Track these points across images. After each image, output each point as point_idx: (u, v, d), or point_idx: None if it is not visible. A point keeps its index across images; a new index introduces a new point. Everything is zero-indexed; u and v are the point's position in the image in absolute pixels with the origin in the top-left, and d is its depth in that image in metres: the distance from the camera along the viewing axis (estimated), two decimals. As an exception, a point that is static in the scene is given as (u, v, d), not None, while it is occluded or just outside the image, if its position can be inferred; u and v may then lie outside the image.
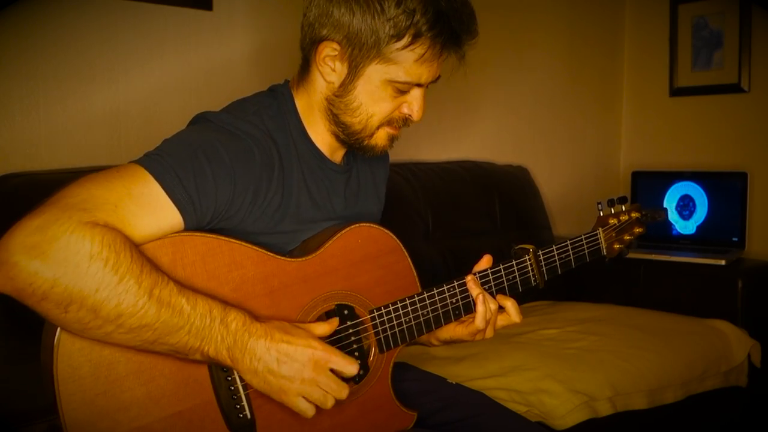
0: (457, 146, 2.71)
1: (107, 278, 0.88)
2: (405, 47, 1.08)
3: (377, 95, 1.12)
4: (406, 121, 1.17)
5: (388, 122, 1.16)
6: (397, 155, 2.51)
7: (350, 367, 1.03)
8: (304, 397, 1.00)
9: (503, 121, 2.86)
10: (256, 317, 1.00)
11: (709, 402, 2.02)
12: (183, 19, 1.99)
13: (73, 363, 0.91)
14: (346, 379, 1.09)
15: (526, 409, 1.66)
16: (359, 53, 1.09)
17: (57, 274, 0.86)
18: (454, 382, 1.36)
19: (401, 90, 1.12)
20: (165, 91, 1.98)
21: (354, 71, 1.11)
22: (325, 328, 1.06)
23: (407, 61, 1.09)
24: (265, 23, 2.14)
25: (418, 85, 1.13)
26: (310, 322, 1.09)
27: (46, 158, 1.80)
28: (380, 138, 1.17)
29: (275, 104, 1.16)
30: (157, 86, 1.96)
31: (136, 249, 0.93)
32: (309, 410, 1.01)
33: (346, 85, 1.12)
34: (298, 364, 0.99)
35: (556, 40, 3.00)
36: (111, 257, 0.88)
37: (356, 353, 1.10)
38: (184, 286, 0.95)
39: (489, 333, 1.22)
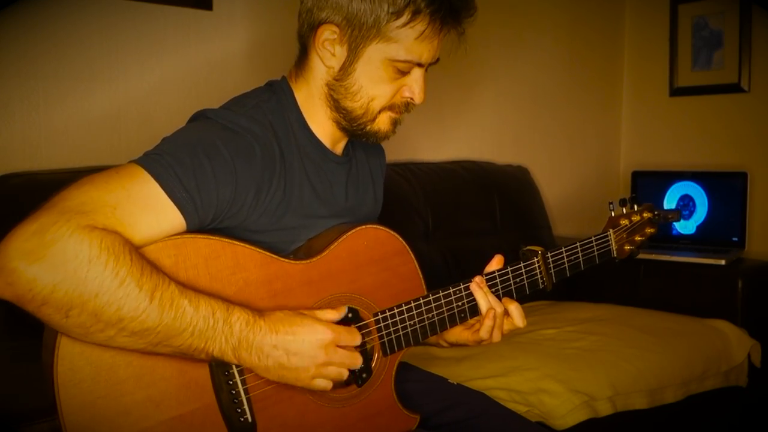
0: (457, 146, 2.71)
1: (107, 282, 0.87)
2: (405, 24, 1.07)
3: (377, 76, 1.11)
4: (408, 105, 1.16)
5: (390, 107, 1.15)
6: (397, 155, 2.51)
7: (354, 337, 1.05)
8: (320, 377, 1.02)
9: (503, 120, 2.86)
10: (259, 312, 0.99)
11: (709, 402, 2.03)
12: (183, 19, 1.99)
13: (73, 366, 0.91)
14: (348, 383, 1.08)
15: (526, 409, 1.66)
16: (359, 34, 1.08)
17: (56, 279, 0.85)
18: (455, 383, 1.36)
19: (401, 70, 1.11)
20: (165, 90, 1.97)
21: (354, 53, 1.10)
22: (332, 314, 1.06)
23: (407, 39, 1.08)
24: (265, 23, 2.14)
25: (419, 64, 1.12)
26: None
27: (46, 158, 1.79)
28: (382, 122, 1.16)
29: (274, 98, 1.15)
30: (157, 86, 1.96)
31: (136, 251, 0.92)
32: (327, 386, 1.03)
33: (346, 68, 1.11)
34: (309, 353, 0.99)
35: (556, 40, 3.00)
36: (110, 260, 0.87)
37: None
38: (186, 287, 0.94)
39: (496, 337, 1.20)
